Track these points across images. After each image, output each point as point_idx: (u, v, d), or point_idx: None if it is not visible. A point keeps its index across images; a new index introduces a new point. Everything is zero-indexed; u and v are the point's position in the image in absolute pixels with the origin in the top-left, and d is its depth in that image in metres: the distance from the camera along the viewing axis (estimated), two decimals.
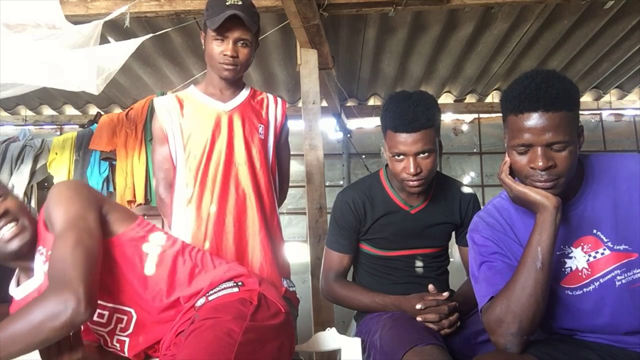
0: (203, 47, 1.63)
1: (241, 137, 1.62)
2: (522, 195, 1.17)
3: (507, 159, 1.21)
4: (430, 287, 1.53)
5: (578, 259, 1.22)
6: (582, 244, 1.22)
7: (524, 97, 1.12)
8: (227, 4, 1.53)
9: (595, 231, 1.21)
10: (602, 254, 1.20)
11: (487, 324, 1.17)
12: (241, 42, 1.57)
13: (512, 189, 1.19)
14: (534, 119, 1.11)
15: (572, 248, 1.23)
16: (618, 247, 1.19)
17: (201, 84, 1.71)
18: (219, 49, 1.56)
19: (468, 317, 1.53)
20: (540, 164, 1.10)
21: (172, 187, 1.63)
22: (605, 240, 1.20)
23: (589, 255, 1.21)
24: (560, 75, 1.14)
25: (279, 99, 1.77)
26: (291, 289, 1.62)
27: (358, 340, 1.40)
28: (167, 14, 2.68)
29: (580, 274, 1.21)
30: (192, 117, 1.62)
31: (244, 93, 1.70)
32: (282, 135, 1.75)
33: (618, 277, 1.18)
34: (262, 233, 1.58)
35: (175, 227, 1.59)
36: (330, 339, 1.42)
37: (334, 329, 1.44)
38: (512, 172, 1.21)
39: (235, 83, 1.67)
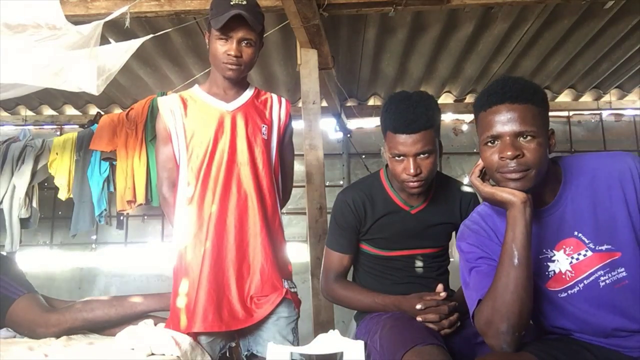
0: (207, 46, 1.62)
1: (244, 137, 1.61)
2: (490, 195, 1.20)
3: (479, 162, 1.24)
4: (439, 287, 1.54)
5: (561, 261, 1.23)
6: (564, 246, 1.23)
7: (492, 92, 1.18)
8: (232, 3, 1.52)
9: (576, 233, 1.22)
10: (585, 255, 1.20)
11: (479, 327, 1.18)
12: (245, 41, 1.56)
13: (480, 190, 1.23)
14: (501, 111, 1.16)
15: (554, 251, 1.23)
16: (600, 248, 1.19)
17: (205, 84, 1.70)
18: (223, 48, 1.55)
19: (468, 317, 1.53)
20: (509, 153, 1.13)
21: (176, 186, 1.63)
22: (587, 241, 1.21)
23: (572, 258, 1.22)
24: (529, 78, 1.22)
25: (283, 99, 1.76)
26: (292, 290, 1.62)
27: (361, 343, 1.39)
28: (167, 14, 2.68)
29: (564, 276, 1.22)
30: (195, 117, 1.62)
31: (248, 93, 1.69)
32: (285, 136, 1.74)
33: (602, 278, 1.18)
34: (263, 234, 1.58)
35: (176, 227, 1.59)
36: (332, 341, 1.41)
37: (336, 331, 1.43)
38: (484, 176, 1.25)
39: (239, 83, 1.67)
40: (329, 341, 1.41)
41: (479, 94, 1.24)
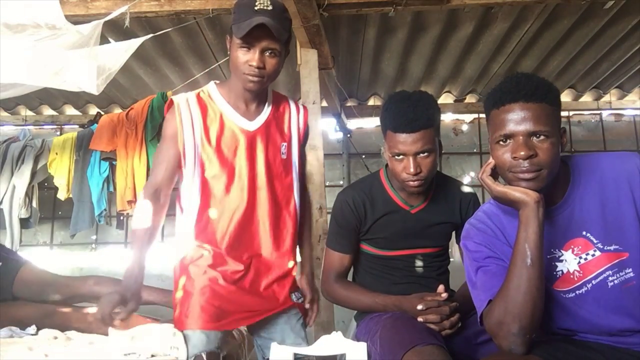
0: (228, 52, 1.50)
1: (263, 159, 1.54)
2: (502, 195, 1.18)
3: (490, 160, 1.22)
4: (441, 287, 1.53)
5: (569, 261, 1.22)
6: (572, 246, 1.22)
7: (505, 90, 1.16)
8: (256, 9, 1.39)
9: (584, 233, 1.21)
10: (593, 255, 1.20)
11: (489, 328, 1.16)
12: (269, 51, 1.43)
13: (492, 189, 1.21)
14: (515, 109, 1.14)
15: (562, 251, 1.23)
16: (608, 248, 1.19)
17: (224, 88, 1.57)
18: (245, 58, 1.43)
19: (468, 318, 1.53)
20: (522, 152, 1.12)
21: (165, 195, 1.51)
22: (595, 241, 1.20)
23: (580, 258, 1.21)
24: (539, 75, 1.19)
25: (301, 107, 1.69)
26: (299, 300, 1.61)
27: (364, 345, 1.39)
28: (167, 14, 2.68)
29: (572, 276, 1.21)
30: (214, 133, 1.51)
31: (267, 108, 1.59)
32: (303, 144, 1.69)
33: (610, 278, 1.18)
34: (275, 255, 1.56)
35: (187, 243, 1.51)
36: (335, 343, 1.40)
37: (339, 332, 1.42)
38: (494, 175, 1.23)
39: (260, 94, 1.57)
40: (332, 343, 1.40)
41: (491, 91, 1.21)
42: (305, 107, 1.72)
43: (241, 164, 1.52)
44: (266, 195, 1.54)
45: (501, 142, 1.17)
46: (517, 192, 1.15)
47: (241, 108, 1.55)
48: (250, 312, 1.50)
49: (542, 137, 1.13)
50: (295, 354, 1.36)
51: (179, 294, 1.49)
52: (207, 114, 1.52)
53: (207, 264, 1.49)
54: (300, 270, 1.70)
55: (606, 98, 4.64)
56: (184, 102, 1.52)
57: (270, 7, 1.40)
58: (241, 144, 1.52)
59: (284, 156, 1.59)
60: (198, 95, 1.55)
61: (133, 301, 1.38)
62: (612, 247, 1.18)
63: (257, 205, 1.54)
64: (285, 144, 1.60)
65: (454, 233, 1.73)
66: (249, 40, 1.41)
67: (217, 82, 1.61)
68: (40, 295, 1.68)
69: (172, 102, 1.54)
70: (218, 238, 1.51)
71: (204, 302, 1.44)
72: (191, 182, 1.51)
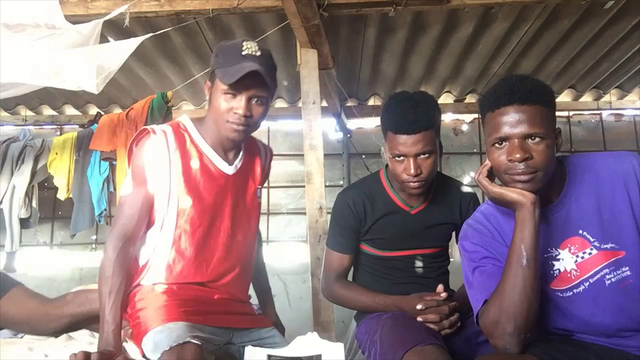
0: (207, 97, 1.40)
1: (242, 207, 1.50)
2: (499, 196, 1.19)
3: (487, 162, 1.23)
4: (440, 287, 1.54)
5: (566, 260, 1.22)
6: (568, 245, 1.23)
7: (500, 93, 1.17)
8: (243, 53, 1.32)
9: (581, 231, 1.22)
10: (590, 253, 1.20)
11: (484, 327, 1.17)
12: (256, 99, 1.36)
13: (488, 190, 1.22)
14: (510, 112, 1.15)
15: (559, 250, 1.23)
16: (605, 246, 1.19)
17: (203, 130, 1.46)
18: (229, 105, 1.34)
19: (468, 317, 1.53)
20: (518, 155, 1.13)
21: (131, 245, 1.37)
22: (592, 240, 1.21)
23: (577, 256, 1.22)
24: (534, 77, 1.21)
25: (267, 149, 1.65)
26: (259, 310, 1.64)
27: (341, 345, 1.37)
28: (167, 14, 2.68)
29: (569, 275, 1.22)
30: (194, 175, 1.41)
31: (242, 152, 1.53)
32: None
33: (607, 277, 1.18)
34: (243, 290, 1.56)
35: (149, 302, 1.37)
36: (310, 343, 1.38)
37: (315, 333, 1.40)
38: (491, 176, 1.24)
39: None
40: (307, 343, 1.38)
41: (486, 94, 1.22)
42: (270, 149, 1.66)
43: (221, 208, 1.46)
44: (245, 241, 1.52)
45: (497, 145, 1.18)
46: (513, 194, 1.16)
47: (221, 155, 1.47)
48: (225, 314, 1.43)
49: (537, 139, 1.14)
50: (269, 356, 1.34)
51: (139, 306, 1.36)
52: (187, 154, 1.42)
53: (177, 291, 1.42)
54: (264, 306, 1.72)
55: (606, 98, 4.64)
56: (161, 138, 1.40)
57: (258, 53, 1.34)
58: (221, 188, 1.45)
59: (260, 199, 1.59)
60: (178, 132, 1.44)
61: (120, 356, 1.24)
62: (608, 246, 1.19)
63: (234, 255, 1.50)
64: (259, 187, 1.59)
65: (454, 234, 1.73)
66: (236, 87, 1.33)
67: (192, 118, 1.51)
68: (30, 331, 1.63)
69: (147, 133, 1.41)
70: (191, 279, 1.43)
71: (168, 299, 1.34)
72: (162, 223, 1.41)
